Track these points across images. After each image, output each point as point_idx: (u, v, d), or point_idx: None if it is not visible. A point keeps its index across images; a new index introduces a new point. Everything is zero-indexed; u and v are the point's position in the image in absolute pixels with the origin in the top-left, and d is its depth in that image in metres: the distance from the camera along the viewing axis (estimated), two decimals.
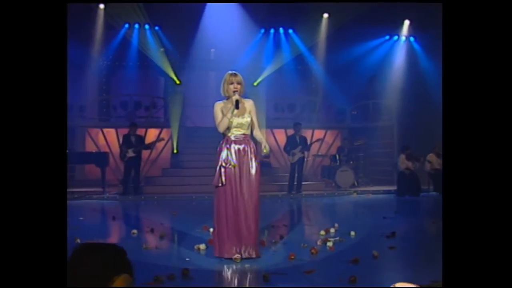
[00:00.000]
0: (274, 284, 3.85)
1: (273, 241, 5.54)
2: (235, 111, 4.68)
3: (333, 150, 13.62)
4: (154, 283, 3.88)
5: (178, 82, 14.04)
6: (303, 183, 11.67)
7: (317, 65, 14.52)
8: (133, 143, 11.12)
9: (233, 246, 4.62)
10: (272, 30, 14.71)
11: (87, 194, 11.04)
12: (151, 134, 13.79)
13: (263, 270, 4.23)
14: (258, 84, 14.16)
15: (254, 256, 4.67)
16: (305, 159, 11.77)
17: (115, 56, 14.57)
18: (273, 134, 14.17)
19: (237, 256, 4.56)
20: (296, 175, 11.28)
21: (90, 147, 13.41)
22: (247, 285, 3.94)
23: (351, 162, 12.52)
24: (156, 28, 14.41)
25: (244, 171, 4.68)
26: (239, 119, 4.72)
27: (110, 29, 13.85)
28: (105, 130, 13.65)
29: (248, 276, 4.15)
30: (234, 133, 4.72)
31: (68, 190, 11.54)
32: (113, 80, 14.91)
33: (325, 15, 14.04)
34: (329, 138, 14.45)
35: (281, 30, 14.69)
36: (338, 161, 12.43)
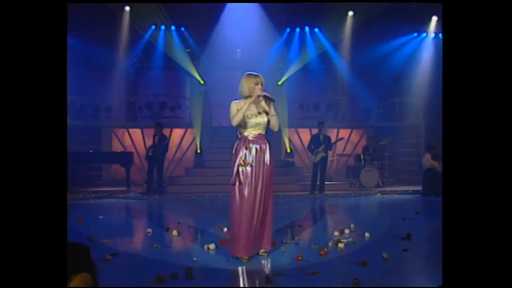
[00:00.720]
0: (276, 285, 3.81)
1: (284, 241, 5.48)
2: (252, 106, 4.74)
3: (359, 150, 13.42)
4: (156, 282, 3.90)
5: (202, 82, 14.14)
6: (327, 183, 11.54)
7: (342, 63, 14.35)
8: (155, 142, 11.26)
9: (247, 245, 4.64)
10: (297, 29, 14.62)
11: (113, 193, 11.23)
12: (176, 134, 13.95)
13: (268, 270, 4.19)
14: (282, 83, 14.10)
15: (267, 251, 4.77)
16: (328, 159, 11.62)
17: (142, 57, 14.80)
18: (297, 133, 14.10)
19: (245, 258, 4.58)
20: (319, 174, 11.16)
21: (117, 147, 13.65)
22: (248, 286, 3.90)
23: (376, 162, 12.30)
24: (182, 29, 14.55)
25: (261, 170, 4.73)
26: (256, 119, 4.76)
27: (137, 31, 14.07)
28: (131, 130, 13.88)
29: (251, 276, 4.11)
30: (252, 133, 4.77)
31: (95, 189, 11.82)
32: (139, 81, 15.13)
33: (350, 13, 13.86)
34: (354, 137, 14.26)
35: (306, 29, 14.58)
36: (362, 161, 12.24)
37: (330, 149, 11.60)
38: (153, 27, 14.19)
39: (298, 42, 14.64)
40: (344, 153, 13.60)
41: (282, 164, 12.80)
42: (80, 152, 11.65)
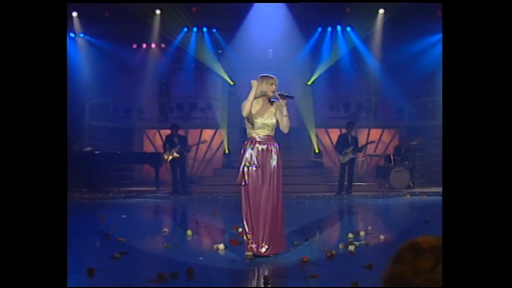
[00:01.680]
0: (273, 286, 3.78)
1: (295, 242, 5.43)
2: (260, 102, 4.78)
3: (390, 150, 13.14)
4: (156, 280, 3.94)
5: (232, 83, 14.22)
6: (355, 183, 11.36)
7: (373, 62, 14.10)
8: (176, 143, 11.37)
9: (256, 244, 4.67)
10: (329, 28, 14.47)
11: (142, 193, 11.45)
12: (206, 135, 14.10)
13: (268, 271, 4.17)
14: (312, 83, 14.00)
15: (280, 252, 4.77)
16: (356, 160, 11.45)
17: (174, 59, 15.02)
18: (327, 133, 13.94)
19: (249, 253, 4.61)
20: (346, 175, 11.01)
21: (148, 148, 13.93)
22: (245, 286, 3.89)
23: (406, 163, 11.99)
24: (214, 30, 14.69)
25: (267, 171, 4.75)
26: (264, 120, 4.76)
27: (169, 33, 14.31)
28: (162, 131, 14.11)
29: (250, 277, 4.10)
30: (259, 134, 4.78)
31: (126, 189, 12.09)
32: (171, 83, 15.35)
33: (381, 11, 13.59)
34: (386, 137, 13.97)
35: (338, 28, 14.41)
36: (392, 161, 11.97)
37: (359, 152, 11.43)
38: (185, 29, 14.39)
39: (330, 41, 14.49)
40: (375, 153, 13.34)
41: (310, 165, 12.70)
42: (112, 153, 11.96)
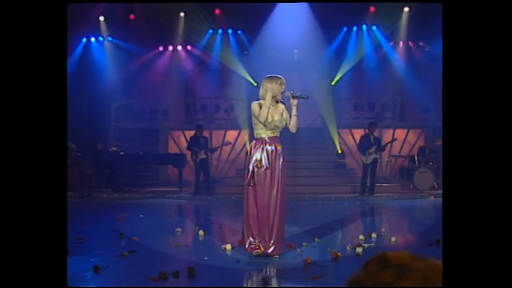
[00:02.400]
0: (270, 286, 3.78)
1: (303, 243, 5.40)
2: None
3: (416, 150, 12.89)
4: (158, 279, 4.00)
5: (255, 84, 14.25)
6: (378, 184, 11.20)
7: (399, 61, 13.87)
8: (202, 144, 11.49)
9: (259, 243, 4.69)
10: (355, 28, 14.33)
11: (165, 193, 11.62)
12: (230, 136, 14.19)
13: (270, 271, 4.17)
14: (336, 83, 13.89)
15: (279, 253, 4.74)
16: (379, 160, 11.29)
17: (199, 60, 15.18)
18: (351, 134, 13.81)
19: (258, 251, 4.65)
20: (369, 176, 10.87)
21: (173, 149, 14.12)
22: (244, 286, 3.90)
23: (431, 163, 11.73)
24: (239, 32, 14.77)
25: (275, 172, 4.76)
26: (276, 122, 4.79)
27: (195, 35, 14.47)
28: (186, 132, 14.28)
29: (251, 277, 4.11)
30: (269, 135, 4.80)
31: (151, 189, 12.29)
32: (195, 85, 15.52)
33: (406, 9, 13.36)
34: (411, 137, 13.72)
35: (364, 27, 14.25)
36: (416, 162, 11.74)
37: (382, 151, 11.26)
38: (210, 31, 14.53)
39: (355, 40, 14.35)
40: (400, 154, 13.11)
41: (333, 166, 12.59)
42: (136, 154, 12.18)
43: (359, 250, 5.00)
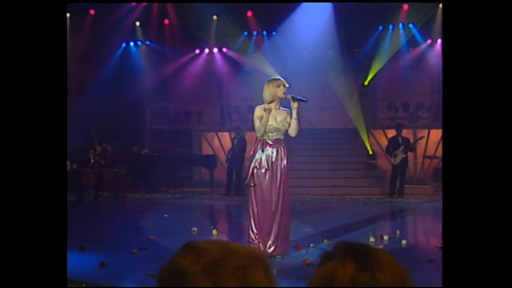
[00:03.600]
0: None
1: (311, 244, 5.41)
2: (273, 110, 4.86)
3: None
4: (155, 275, 4.14)
5: (287, 85, 14.26)
6: (409, 186, 10.97)
7: (435, 59, 13.50)
8: (234, 145, 11.63)
9: (262, 243, 4.78)
10: (391, 26, 14.09)
11: (197, 194, 11.85)
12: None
13: None
14: (368, 83, 13.70)
15: (277, 255, 4.79)
16: (408, 161, 11.05)
17: (233, 62, 15.37)
18: (385, 134, 13.55)
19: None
20: (398, 178, 10.66)
21: (207, 150, 14.36)
22: None
23: None
24: (274, 33, 14.85)
25: (277, 173, 4.83)
26: (277, 124, 4.89)
27: (228, 37, 14.67)
28: (220, 134, 14.50)
29: None
30: (271, 137, 4.90)
31: (185, 190, 12.57)
32: (229, 86, 15.69)
33: (441, 6, 12.98)
34: None
35: (400, 25, 13.98)
36: None
37: (411, 151, 11.01)
38: (245, 33, 14.68)
39: (389, 39, 14.09)
40: (435, 155, 12.75)
41: (364, 167, 12.43)
42: (168, 155, 12.50)
43: None
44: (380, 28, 14.04)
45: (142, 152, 12.48)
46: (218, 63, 15.22)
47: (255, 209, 4.85)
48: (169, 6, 14.00)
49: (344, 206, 9.80)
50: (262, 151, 4.87)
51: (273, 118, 4.89)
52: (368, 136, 12.79)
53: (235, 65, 15.37)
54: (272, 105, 4.97)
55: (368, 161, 12.56)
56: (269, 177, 4.81)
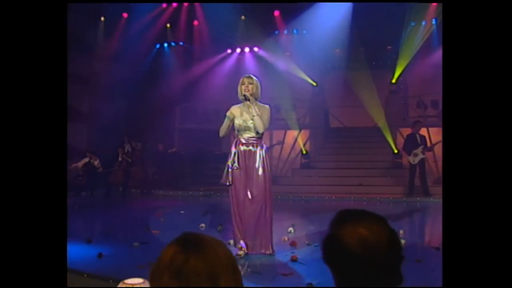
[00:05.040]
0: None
1: (307, 242, 5.50)
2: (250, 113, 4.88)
3: None
4: (145, 267, 4.37)
5: (314, 84, 14.31)
6: (434, 185, 10.76)
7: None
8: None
9: (242, 241, 4.86)
10: (423, 23, 13.82)
11: (220, 191, 12.06)
12: (290, 136, 14.38)
13: (246, 266, 4.37)
14: (396, 81, 13.50)
15: (267, 252, 4.87)
16: (426, 161, 10.85)
17: (263, 61, 15.50)
18: None
19: (241, 252, 4.78)
20: (418, 177, 10.48)
21: None
22: None
23: None
24: (304, 32, 14.89)
25: (251, 172, 4.83)
26: (245, 123, 4.88)
27: (257, 37, 14.83)
28: None
29: None
30: (243, 136, 4.92)
31: (208, 187, 12.81)
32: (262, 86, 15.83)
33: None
34: None
35: (434, 21, 13.69)
36: None
37: (430, 151, 10.80)
38: (276, 32, 14.79)
39: (420, 36, 13.82)
40: None
41: (389, 166, 12.28)
42: (195, 154, 12.81)
43: None
44: (412, 24, 13.78)
45: (169, 151, 12.85)
46: (248, 63, 15.39)
47: (236, 208, 4.89)
48: (197, 7, 14.31)
49: (362, 204, 9.75)
50: (236, 150, 4.89)
51: (241, 117, 4.88)
52: (392, 135, 12.62)
53: (265, 65, 15.50)
54: (246, 105, 4.91)
55: (394, 160, 12.39)
56: (243, 176, 4.81)
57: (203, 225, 6.78)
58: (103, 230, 6.24)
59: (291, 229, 6.41)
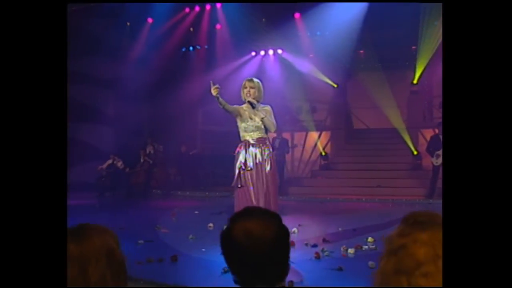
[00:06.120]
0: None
1: (305, 243, 5.60)
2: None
3: None
4: (144, 263, 4.62)
5: (335, 85, 14.32)
6: None
7: None
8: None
9: None
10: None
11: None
12: (311, 137, 14.44)
13: None
14: (418, 81, 13.36)
15: None
16: None
17: (285, 64, 15.61)
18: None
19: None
20: (439, 179, 10.35)
21: None
22: (210, 275, 4.30)
23: None
24: (327, 33, 14.92)
25: (261, 173, 4.96)
26: (252, 122, 5.01)
27: (280, 39, 14.95)
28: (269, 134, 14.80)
29: (217, 267, 4.47)
30: (252, 136, 5.04)
31: (227, 188, 12.99)
32: (280, 87, 15.92)
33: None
34: None
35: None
36: None
37: None
38: (299, 33, 14.88)
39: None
40: None
41: (409, 167, 12.17)
42: (216, 155, 13.05)
43: (351, 251, 5.08)
44: (435, 23, 13.60)
45: (190, 153, 13.13)
46: (272, 65, 15.51)
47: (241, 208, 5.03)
48: (219, 11, 14.56)
49: (375, 206, 9.74)
50: (246, 151, 5.02)
51: (250, 118, 5.00)
52: (413, 136, 12.50)
53: (288, 67, 15.60)
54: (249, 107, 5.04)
55: (414, 161, 12.28)
56: (255, 177, 4.93)
57: (211, 224, 6.96)
58: (116, 228, 6.49)
59: (295, 229, 6.52)
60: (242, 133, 5.13)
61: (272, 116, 5.12)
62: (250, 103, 5.00)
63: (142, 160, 11.77)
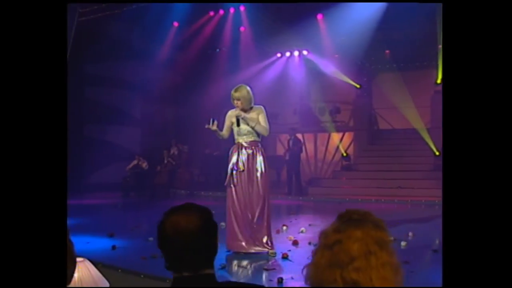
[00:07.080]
0: (227, 273, 4.33)
1: (309, 242, 5.70)
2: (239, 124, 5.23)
3: None
4: (147, 258, 4.85)
5: (358, 86, 14.29)
6: None
7: None
8: (289, 146, 12.04)
9: (243, 241, 5.13)
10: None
11: None
12: (335, 138, 14.46)
13: (239, 261, 4.70)
14: (441, 82, 13.16)
15: (265, 250, 5.13)
16: None
17: (310, 65, 15.67)
18: None
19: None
20: None
21: (281, 152, 14.86)
22: None
23: None
24: (349, 33, 14.90)
25: (252, 174, 5.13)
26: (248, 127, 5.19)
27: (304, 40, 15.03)
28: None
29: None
30: (245, 139, 5.22)
31: None
32: (305, 88, 16.00)
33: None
34: None
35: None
36: None
37: None
38: (322, 35, 14.93)
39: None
40: None
41: (431, 168, 12.03)
42: None
43: None
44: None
45: (214, 153, 13.38)
46: (296, 66, 15.59)
47: (236, 209, 5.14)
48: (243, 14, 14.76)
49: (393, 207, 9.72)
50: (238, 153, 5.18)
51: (244, 122, 5.17)
52: (436, 136, 12.34)
53: (313, 68, 15.65)
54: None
55: (436, 162, 12.12)
56: (246, 178, 5.09)
57: (222, 223, 7.13)
58: (132, 226, 6.79)
59: (303, 229, 6.63)
60: (235, 136, 5.31)
61: (264, 116, 5.28)
62: (237, 119, 5.18)
63: (165, 161, 12.10)
